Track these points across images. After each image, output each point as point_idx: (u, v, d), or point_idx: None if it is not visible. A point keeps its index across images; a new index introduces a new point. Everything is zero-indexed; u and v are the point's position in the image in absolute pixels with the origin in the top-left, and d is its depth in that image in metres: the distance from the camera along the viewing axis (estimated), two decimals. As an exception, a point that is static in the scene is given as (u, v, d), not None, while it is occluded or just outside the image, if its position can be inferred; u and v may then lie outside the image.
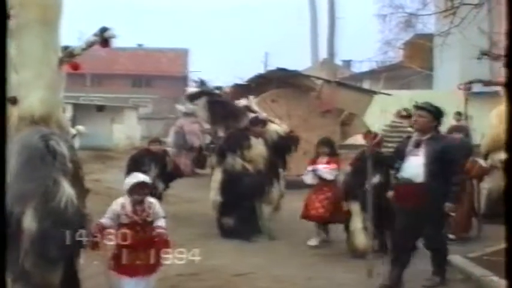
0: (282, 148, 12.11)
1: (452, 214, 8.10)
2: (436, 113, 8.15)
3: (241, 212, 11.29)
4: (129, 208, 6.53)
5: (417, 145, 8.05)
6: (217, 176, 11.75)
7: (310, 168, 11.01)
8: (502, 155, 12.17)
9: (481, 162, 11.57)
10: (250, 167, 11.46)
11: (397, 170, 8.19)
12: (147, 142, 14.48)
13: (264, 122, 11.97)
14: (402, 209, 8.14)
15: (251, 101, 12.90)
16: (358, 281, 8.49)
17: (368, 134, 10.43)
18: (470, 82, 13.55)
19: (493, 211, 12.70)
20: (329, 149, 11.15)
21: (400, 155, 8.24)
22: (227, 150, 11.59)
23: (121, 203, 6.58)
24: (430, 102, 8.36)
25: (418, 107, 8.23)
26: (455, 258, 9.56)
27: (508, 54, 2.81)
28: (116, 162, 26.07)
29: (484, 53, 13.31)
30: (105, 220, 6.41)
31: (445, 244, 8.51)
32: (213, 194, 11.65)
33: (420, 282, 8.25)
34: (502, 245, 10.15)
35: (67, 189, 4.19)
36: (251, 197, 11.37)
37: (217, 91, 13.83)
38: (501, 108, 12.57)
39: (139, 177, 6.81)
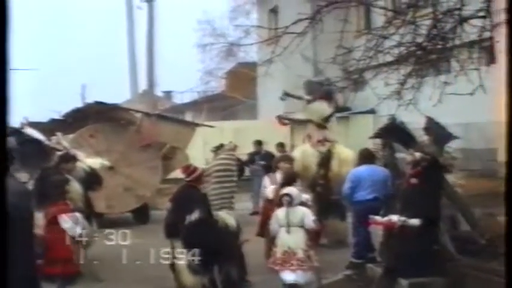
0: (87, 185, 11.61)
1: None
2: None
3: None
4: None
5: None
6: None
7: None
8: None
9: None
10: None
11: None
12: None
13: (74, 159, 11.47)
14: None
15: (59, 137, 12.45)
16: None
17: (186, 168, 10.15)
18: (279, 117, 15.51)
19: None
20: None
21: None
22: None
23: None
24: None
25: None
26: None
27: (508, 53, 2.68)
28: None
29: (287, 94, 14.42)
30: None
31: None
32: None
33: None
34: (338, 276, 10.01)
35: None
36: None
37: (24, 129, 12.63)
38: (305, 146, 13.76)
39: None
